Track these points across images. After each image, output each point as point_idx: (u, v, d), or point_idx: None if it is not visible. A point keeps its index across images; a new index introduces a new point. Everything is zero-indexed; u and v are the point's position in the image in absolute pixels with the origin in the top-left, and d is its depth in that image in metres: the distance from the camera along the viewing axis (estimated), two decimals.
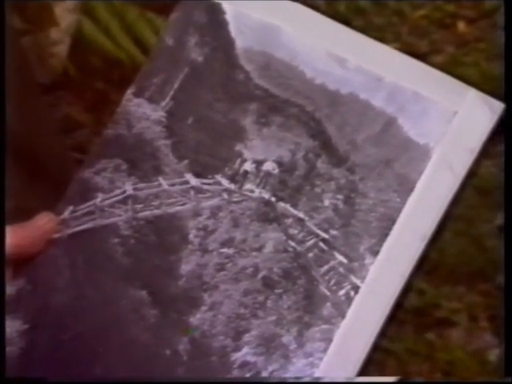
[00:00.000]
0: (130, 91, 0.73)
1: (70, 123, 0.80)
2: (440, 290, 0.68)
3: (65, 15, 0.78)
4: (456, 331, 0.68)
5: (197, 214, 0.70)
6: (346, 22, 0.70)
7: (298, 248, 0.68)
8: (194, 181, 0.70)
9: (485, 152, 0.67)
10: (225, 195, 0.70)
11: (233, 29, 0.72)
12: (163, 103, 0.72)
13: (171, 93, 0.72)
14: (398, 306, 0.66)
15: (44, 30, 0.78)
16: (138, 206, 0.70)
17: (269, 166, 0.69)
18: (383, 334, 0.66)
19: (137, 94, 0.73)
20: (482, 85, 0.67)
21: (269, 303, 0.67)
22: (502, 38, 0.68)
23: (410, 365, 0.68)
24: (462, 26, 0.71)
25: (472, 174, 0.67)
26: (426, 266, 0.67)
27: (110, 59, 0.78)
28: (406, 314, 0.67)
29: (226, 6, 0.72)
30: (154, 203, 0.70)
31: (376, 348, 0.66)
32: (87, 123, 0.78)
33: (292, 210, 0.68)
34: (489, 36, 0.69)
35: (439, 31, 0.70)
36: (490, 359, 0.66)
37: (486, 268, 0.67)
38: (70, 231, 0.71)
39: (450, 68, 0.68)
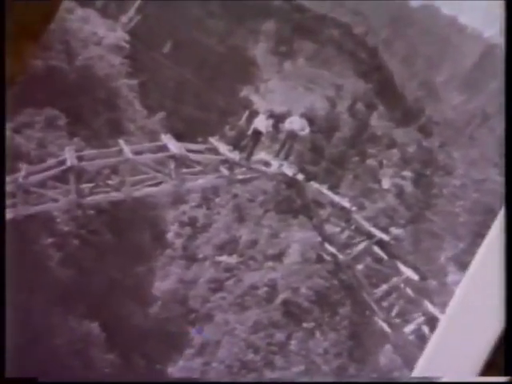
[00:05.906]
0: None
1: None
2: None
3: None
4: None
5: (179, 199, 0.46)
6: None
7: (341, 256, 0.45)
8: (174, 146, 0.45)
9: None
10: (224, 170, 0.46)
11: None
12: (124, 18, 0.47)
13: (137, 1, 0.46)
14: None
15: None
16: (86, 186, 0.45)
17: (294, 123, 0.45)
18: None
19: (83, 1, 0.46)
20: None
21: (293, 345, 0.44)
22: None
23: None
24: None
25: None
26: None
27: None
28: None
29: None
30: (110, 181, 0.46)
31: None
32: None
33: (330, 195, 0.44)
34: None
35: None
36: None
37: None
38: None
39: None
